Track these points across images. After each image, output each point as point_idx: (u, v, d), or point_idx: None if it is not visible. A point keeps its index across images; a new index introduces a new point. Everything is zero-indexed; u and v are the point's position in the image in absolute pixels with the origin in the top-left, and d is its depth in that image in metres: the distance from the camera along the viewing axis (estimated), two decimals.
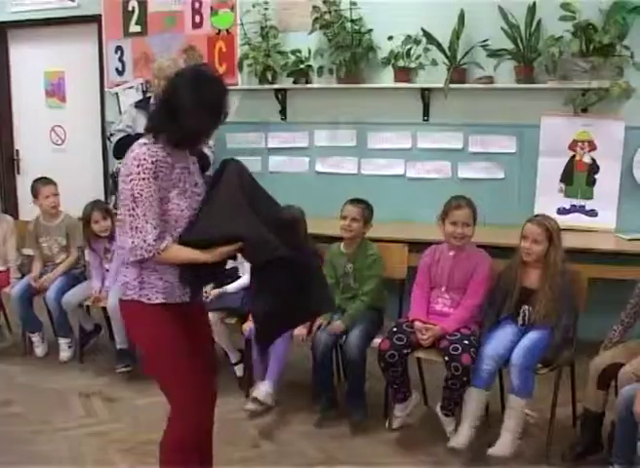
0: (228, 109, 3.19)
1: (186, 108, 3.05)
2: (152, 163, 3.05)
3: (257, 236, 3.07)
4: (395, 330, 4.42)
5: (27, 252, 6.00)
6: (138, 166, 3.05)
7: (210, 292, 5.08)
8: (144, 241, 3.06)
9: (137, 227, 3.06)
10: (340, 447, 4.38)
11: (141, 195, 3.04)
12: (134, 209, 3.06)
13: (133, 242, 3.07)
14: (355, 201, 4.80)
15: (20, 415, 4.84)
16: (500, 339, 4.24)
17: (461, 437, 4.11)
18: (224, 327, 5.06)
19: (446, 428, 4.31)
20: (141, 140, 3.14)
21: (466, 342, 4.21)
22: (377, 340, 4.52)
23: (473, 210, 4.45)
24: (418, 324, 4.38)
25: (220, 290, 5.10)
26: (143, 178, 3.04)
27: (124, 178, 3.09)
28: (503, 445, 4.03)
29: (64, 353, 5.73)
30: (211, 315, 4.93)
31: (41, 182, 5.72)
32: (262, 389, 4.67)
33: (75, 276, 5.74)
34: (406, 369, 4.42)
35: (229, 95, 3.18)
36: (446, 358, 4.19)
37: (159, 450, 3.34)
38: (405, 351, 4.34)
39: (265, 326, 3.31)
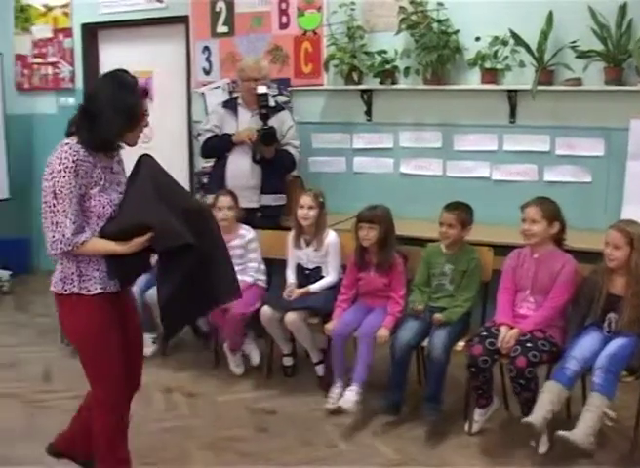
0: (141, 115, 3.40)
1: (102, 114, 3.28)
2: (73, 162, 3.24)
3: (160, 223, 3.27)
4: (485, 334, 4.38)
5: None
6: (59, 164, 3.24)
7: (294, 291, 5.11)
8: (63, 235, 3.25)
9: (57, 222, 3.25)
10: (419, 449, 4.35)
11: (62, 192, 3.23)
12: (54, 205, 3.25)
13: (53, 236, 3.27)
14: (451, 206, 4.78)
15: None
16: (585, 345, 4.17)
17: (538, 414, 3.99)
18: (307, 326, 5.07)
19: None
20: (65, 140, 3.32)
21: (529, 345, 4.16)
22: (461, 343, 4.49)
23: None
24: (503, 329, 4.34)
25: (304, 289, 5.12)
26: (64, 176, 3.23)
27: (47, 176, 3.27)
28: (575, 433, 3.90)
29: (148, 348, 5.80)
30: (293, 314, 4.97)
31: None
32: (349, 398, 4.66)
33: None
34: (492, 374, 4.38)
35: (143, 101, 3.40)
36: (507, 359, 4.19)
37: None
38: (495, 356, 4.31)
39: (168, 311, 3.46)
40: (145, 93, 3.47)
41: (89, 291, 3.38)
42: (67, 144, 3.30)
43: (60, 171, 3.24)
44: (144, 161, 3.53)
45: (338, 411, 4.73)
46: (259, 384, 5.28)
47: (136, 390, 3.80)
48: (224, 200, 5.43)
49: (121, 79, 3.39)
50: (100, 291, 3.39)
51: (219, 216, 5.36)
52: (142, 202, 3.35)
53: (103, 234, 3.34)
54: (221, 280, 3.56)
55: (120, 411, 3.61)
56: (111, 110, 3.29)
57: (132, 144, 3.52)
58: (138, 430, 4.58)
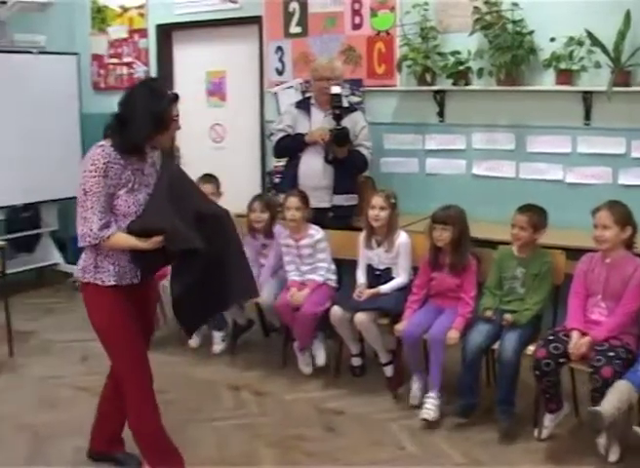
0: (170, 120, 3.68)
1: (133, 120, 3.56)
2: (104, 163, 3.53)
3: (170, 228, 3.55)
4: (552, 338, 4.32)
5: None
6: (91, 165, 3.54)
7: (364, 291, 5.11)
8: (90, 229, 3.55)
9: (85, 217, 3.56)
10: (486, 452, 4.31)
11: (91, 190, 3.53)
12: (84, 201, 3.55)
13: (82, 230, 3.58)
14: (524, 208, 4.73)
15: (173, 403, 4.97)
16: None
17: (606, 406, 3.86)
18: (376, 327, 5.05)
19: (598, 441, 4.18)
20: (100, 142, 3.61)
21: (611, 354, 4.08)
22: (531, 347, 4.44)
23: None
24: (575, 335, 4.28)
25: (374, 290, 5.11)
26: (94, 176, 3.53)
27: (81, 175, 3.57)
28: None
29: (218, 345, 5.87)
30: (363, 315, 4.97)
31: (202, 180, 5.85)
32: (430, 406, 4.67)
33: None
34: (559, 378, 4.32)
35: (172, 106, 3.67)
36: (590, 369, 4.09)
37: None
38: (560, 360, 4.25)
39: (179, 309, 3.80)
40: (176, 98, 3.71)
41: (103, 282, 3.67)
42: (101, 146, 3.59)
43: (92, 171, 3.53)
44: (165, 166, 3.80)
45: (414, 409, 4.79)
46: (327, 384, 5.29)
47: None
48: (292, 201, 5.44)
49: (151, 87, 3.68)
50: (113, 283, 3.67)
51: (287, 216, 5.39)
52: (158, 206, 3.64)
53: (129, 231, 3.62)
54: (235, 281, 3.82)
55: (144, 391, 3.86)
56: (141, 116, 3.55)
57: (164, 147, 3.82)
58: (205, 427, 4.65)
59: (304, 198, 5.50)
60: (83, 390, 5.14)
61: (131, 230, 3.62)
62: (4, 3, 6.92)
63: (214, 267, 3.69)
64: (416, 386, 4.91)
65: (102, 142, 3.61)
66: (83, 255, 3.74)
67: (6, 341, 5.90)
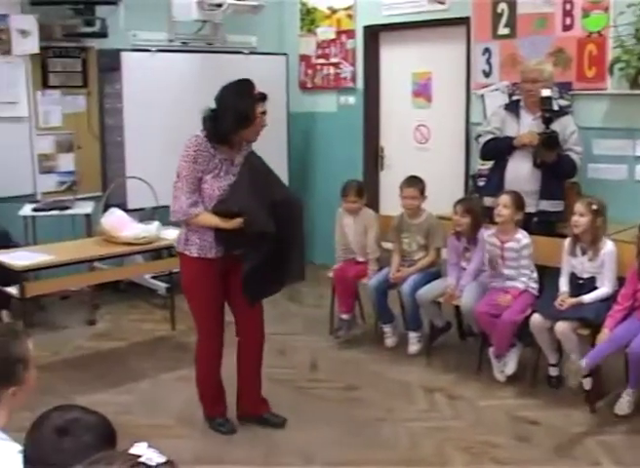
0: (254, 117, 4.22)
1: (221, 115, 4.18)
2: (194, 151, 4.18)
3: (249, 212, 4.16)
4: None
5: (386, 245, 6.20)
6: (185, 151, 4.19)
7: (566, 300, 4.98)
8: (181, 207, 4.22)
9: (176, 196, 4.22)
10: None
11: (182, 173, 4.20)
12: (177, 182, 4.22)
13: (173, 207, 4.25)
14: None
15: (365, 401, 5.04)
16: None
17: None
18: (576, 337, 4.91)
19: None
20: (196, 132, 4.24)
21: None
22: None
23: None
24: None
25: (576, 299, 4.97)
26: (186, 161, 4.19)
27: (179, 158, 4.21)
28: None
29: (413, 346, 5.87)
30: (564, 324, 4.85)
31: (405, 183, 5.88)
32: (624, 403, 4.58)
33: (431, 273, 5.85)
34: None
35: (257, 105, 4.23)
36: None
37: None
38: None
39: (247, 283, 4.31)
40: (262, 98, 4.26)
41: (190, 253, 4.33)
42: (196, 136, 4.23)
43: (184, 157, 4.20)
44: (248, 158, 4.36)
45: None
46: (522, 392, 5.18)
47: (260, 342, 4.64)
48: (503, 198, 5.32)
49: (238, 87, 4.26)
50: (197, 255, 4.32)
51: (495, 213, 5.31)
52: (239, 192, 4.21)
53: (214, 211, 4.24)
54: (292, 264, 4.48)
55: (211, 349, 4.52)
56: (227, 112, 4.17)
57: (251, 140, 4.39)
58: (398, 426, 4.67)
59: (518, 200, 5.38)
60: (279, 383, 5.26)
61: (216, 211, 4.24)
62: (219, 6, 7.18)
63: (278, 250, 4.25)
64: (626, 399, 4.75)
65: (198, 132, 4.24)
66: (179, 231, 4.48)
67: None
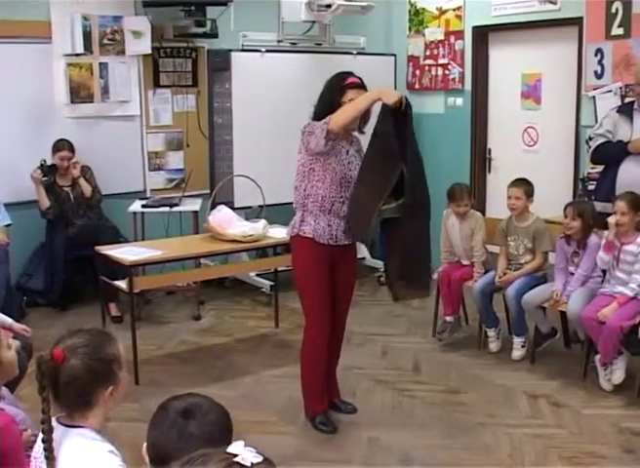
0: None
1: (318, 105, 4.45)
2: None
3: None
4: None
5: (492, 248, 6.13)
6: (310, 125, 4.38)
7: None
8: (318, 135, 4.28)
9: (312, 132, 4.32)
10: None
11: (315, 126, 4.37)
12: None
13: (310, 139, 4.31)
14: None
15: (466, 405, 5.00)
16: None
17: None
18: None
19: None
20: (311, 121, 4.43)
21: None
22: None
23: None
24: None
25: None
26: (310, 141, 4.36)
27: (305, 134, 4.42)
28: None
29: (517, 351, 5.79)
30: None
31: (512, 183, 5.85)
32: None
33: (537, 277, 5.76)
34: None
35: (343, 95, 4.40)
36: None
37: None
38: None
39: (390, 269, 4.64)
40: (353, 86, 4.41)
41: (304, 233, 4.45)
42: (309, 124, 4.39)
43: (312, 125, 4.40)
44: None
45: None
46: (629, 403, 5.03)
47: (343, 336, 4.81)
48: (619, 205, 5.20)
49: (332, 80, 4.49)
50: (310, 236, 4.43)
51: (612, 221, 5.21)
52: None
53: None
54: (422, 275, 4.63)
55: (320, 341, 4.54)
56: (318, 102, 4.46)
57: (353, 129, 4.55)
58: (500, 432, 4.61)
59: (635, 201, 5.20)
60: (381, 383, 5.27)
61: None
62: (328, 7, 7.21)
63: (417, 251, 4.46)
64: None
65: (309, 121, 4.43)
66: (295, 215, 4.55)
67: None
